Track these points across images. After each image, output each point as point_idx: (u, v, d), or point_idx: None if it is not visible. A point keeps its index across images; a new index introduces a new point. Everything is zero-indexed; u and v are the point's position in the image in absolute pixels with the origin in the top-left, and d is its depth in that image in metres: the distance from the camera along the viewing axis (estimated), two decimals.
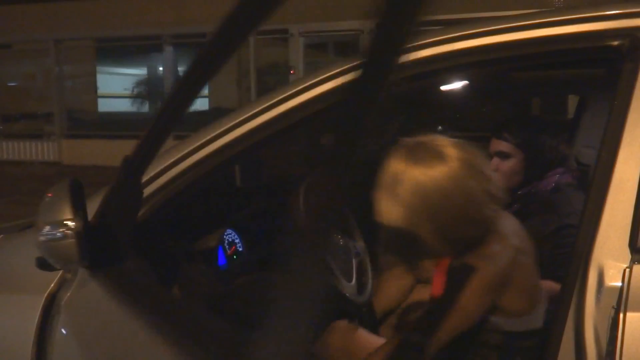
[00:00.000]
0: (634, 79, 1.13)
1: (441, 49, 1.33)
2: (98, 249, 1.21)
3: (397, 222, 1.27)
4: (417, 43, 1.35)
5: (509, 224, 1.37)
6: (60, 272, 1.39)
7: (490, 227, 1.30)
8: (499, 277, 1.27)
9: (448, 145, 1.28)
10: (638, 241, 1.09)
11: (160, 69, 13.54)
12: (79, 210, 1.16)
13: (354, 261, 2.09)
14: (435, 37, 1.34)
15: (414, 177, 1.25)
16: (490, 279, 1.26)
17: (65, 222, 1.15)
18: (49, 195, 1.22)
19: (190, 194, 1.43)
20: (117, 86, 20.42)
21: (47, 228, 1.17)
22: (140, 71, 19.86)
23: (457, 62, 1.32)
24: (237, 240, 2.08)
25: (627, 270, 1.07)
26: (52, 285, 1.38)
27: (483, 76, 1.75)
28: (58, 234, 1.16)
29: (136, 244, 1.32)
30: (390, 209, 1.27)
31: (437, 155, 1.26)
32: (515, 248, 1.32)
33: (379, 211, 1.30)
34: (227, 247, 2.04)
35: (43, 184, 9.50)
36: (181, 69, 16.16)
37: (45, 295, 1.37)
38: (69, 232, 1.15)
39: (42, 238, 1.19)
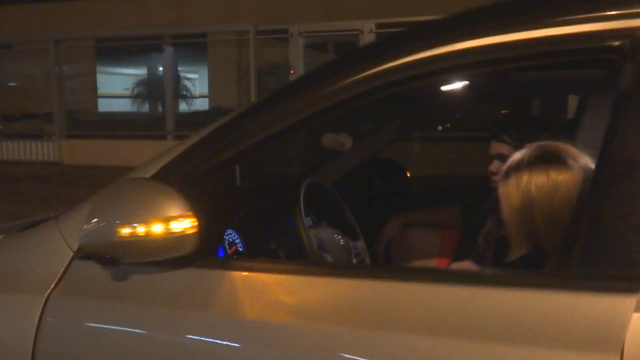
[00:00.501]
0: (635, 79, 1.13)
1: (440, 50, 1.33)
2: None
3: (515, 204, 1.43)
4: (416, 43, 1.35)
5: None
6: (61, 272, 1.39)
7: None
8: None
9: (578, 155, 1.43)
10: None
11: (160, 69, 13.55)
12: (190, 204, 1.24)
13: (354, 261, 2.09)
14: (435, 38, 1.34)
15: (543, 177, 1.40)
16: None
17: (180, 217, 1.23)
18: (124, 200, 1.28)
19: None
20: (117, 86, 20.46)
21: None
22: (140, 71, 19.89)
23: (456, 63, 1.31)
24: (237, 240, 2.08)
25: None
26: (52, 285, 1.39)
27: (482, 77, 1.75)
28: (177, 230, 1.23)
29: None
30: (513, 193, 1.43)
31: (565, 162, 1.41)
32: None
33: (503, 192, 1.46)
34: (227, 247, 2.04)
35: (43, 184, 9.52)
36: (181, 69, 16.19)
37: (46, 295, 1.38)
38: (187, 226, 1.24)
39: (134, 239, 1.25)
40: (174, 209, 1.23)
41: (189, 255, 1.28)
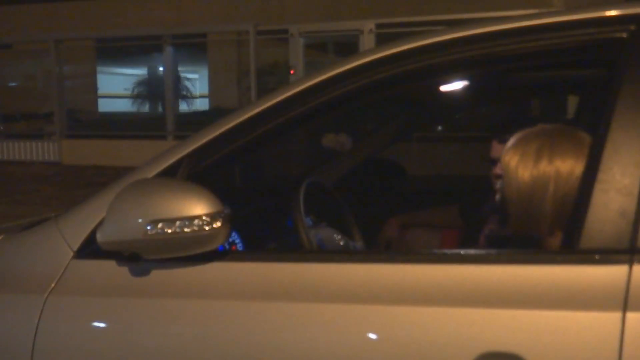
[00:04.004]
0: (633, 73, 1.16)
1: (437, 38, 1.35)
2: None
3: (525, 185, 1.40)
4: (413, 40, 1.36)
5: None
6: (61, 272, 1.39)
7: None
8: None
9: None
10: (637, 240, 1.09)
11: (161, 69, 13.56)
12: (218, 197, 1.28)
13: None
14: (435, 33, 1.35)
15: (559, 161, 1.37)
16: None
17: (213, 213, 1.27)
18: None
19: None
20: (117, 86, 20.46)
21: (178, 223, 1.26)
22: (140, 71, 19.90)
23: (454, 54, 1.33)
24: (237, 241, 2.08)
25: (627, 269, 1.07)
26: (52, 285, 1.39)
27: (483, 73, 1.76)
28: (206, 225, 1.26)
29: None
30: (523, 173, 1.40)
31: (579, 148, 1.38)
32: None
33: (509, 169, 1.43)
34: (227, 247, 2.04)
35: (43, 184, 9.54)
36: (181, 69, 16.19)
37: (45, 295, 1.38)
38: (217, 220, 1.27)
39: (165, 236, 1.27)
40: (205, 206, 1.26)
41: (215, 250, 1.30)
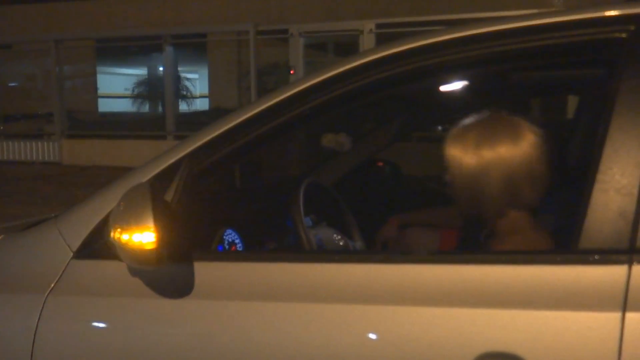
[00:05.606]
0: (633, 73, 1.16)
1: (437, 38, 1.35)
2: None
3: (470, 172, 1.45)
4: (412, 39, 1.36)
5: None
6: (61, 271, 1.40)
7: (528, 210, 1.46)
8: None
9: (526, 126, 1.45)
10: (637, 240, 1.09)
11: (160, 69, 13.56)
12: (158, 218, 1.22)
13: None
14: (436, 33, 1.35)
15: (498, 147, 1.43)
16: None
17: (146, 229, 1.22)
18: (122, 204, 1.27)
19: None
20: (117, 86, 20.46)
21: (125, 235, 1.23)
22: (140, 71, 19.89)
23: (454, 54, 1.33)
24: (237, 240, 2.08)
25: (626, 269, 1.08)
26: (52, 285, 1.39)
27: (483, 73, 1.76)
28: (136, 240, 1.22)
29: None
30: (467, 161, 1.45)
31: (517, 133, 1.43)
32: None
33: (453, 159, 1.48)
34: (227, 247, 2.04)
35: (43, 184, 9.53)
36: (181, 69, 16.19)
37: (45, 295, 1.38)
38: (148, 238, 1.22)
39: (118, 243, 1.25)
40: (141, 220, 1.22)
41: (153, 270, 1.28)
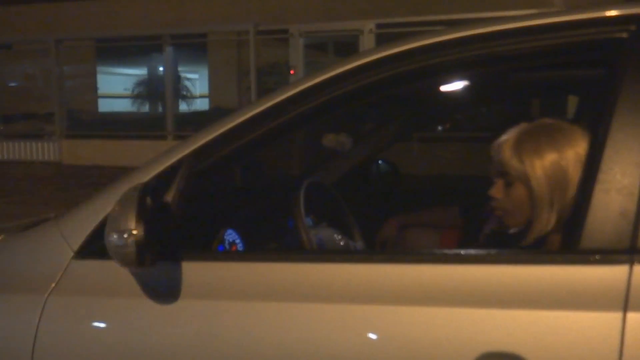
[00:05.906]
0: (633, 73, 1.16)
1: (437, 38, 1.35)
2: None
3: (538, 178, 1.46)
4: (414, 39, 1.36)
5: None
6: (61, 272, 1.40)
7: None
8: None
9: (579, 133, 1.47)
10: (638, 240, 1.09)
11: (160, 69, 13.55)
12: (141, 220, 1.23)
13: None
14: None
15: (562, 153, 1.44)
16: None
17: (129, 230, 1.23)
18: (116, 205, 1.28)
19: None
20: (117, 86, 20.45)
21: (115, 236, 1.24)
22: (140, 71, 19.87)
23: (454, 54, 1.33)
24: (237, 240, 2.08)
25: (627, 269, 1.08)
26: (52, 285, 1.39)
27: (483, 73, 1.76)
28: (121, 242, 1.23)
29: None
30: (532, 168, 1.46)
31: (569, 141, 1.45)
32: None
33: (514, 167, 1.48)
34: (227, 247, 2.04)
35: (43, 184, 9.53)
36: (181, 69, 16.19)
37: (46, 295, 1.38)
38: (130, 240, 1.23)
39: (109, 244, 1.26)
40: (126, 222, 1.23)
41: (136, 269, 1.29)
